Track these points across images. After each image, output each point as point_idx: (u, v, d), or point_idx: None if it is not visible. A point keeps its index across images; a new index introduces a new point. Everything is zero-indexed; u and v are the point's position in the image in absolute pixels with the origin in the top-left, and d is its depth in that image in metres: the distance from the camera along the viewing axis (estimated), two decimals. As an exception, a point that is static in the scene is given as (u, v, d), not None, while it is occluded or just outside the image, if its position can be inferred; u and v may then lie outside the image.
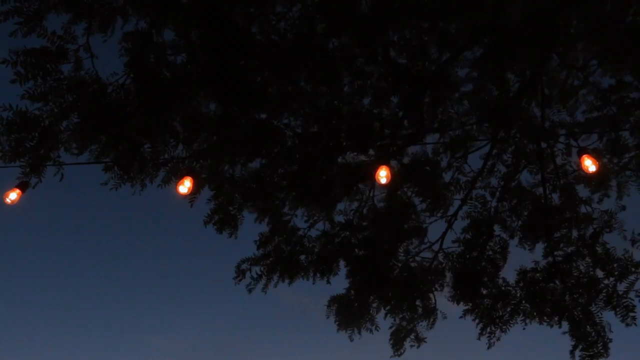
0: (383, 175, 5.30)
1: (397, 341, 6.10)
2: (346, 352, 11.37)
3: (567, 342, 5.74)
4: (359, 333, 6.10)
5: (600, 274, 5.75)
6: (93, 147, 5.12)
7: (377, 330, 6.09)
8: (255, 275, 6.00)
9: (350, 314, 6.00)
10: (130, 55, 4.93)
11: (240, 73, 5.29)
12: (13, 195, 5.09)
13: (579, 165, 5.36)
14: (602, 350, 5.57)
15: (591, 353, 5.57)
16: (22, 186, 5.08)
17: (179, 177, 5.29)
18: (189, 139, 5.41)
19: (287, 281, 6.03)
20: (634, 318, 5.45)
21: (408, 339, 6.11)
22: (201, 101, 5.44)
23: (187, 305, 13.08)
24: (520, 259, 5.92)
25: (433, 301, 6.06)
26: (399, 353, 6.12)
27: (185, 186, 5.25)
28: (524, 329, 5.83)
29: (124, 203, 12.35)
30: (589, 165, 5.26)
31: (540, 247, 5.89)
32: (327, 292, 6.18)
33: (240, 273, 6.04)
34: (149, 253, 13.08)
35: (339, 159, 5.89)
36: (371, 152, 5.84)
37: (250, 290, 6.01)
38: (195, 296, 13.08)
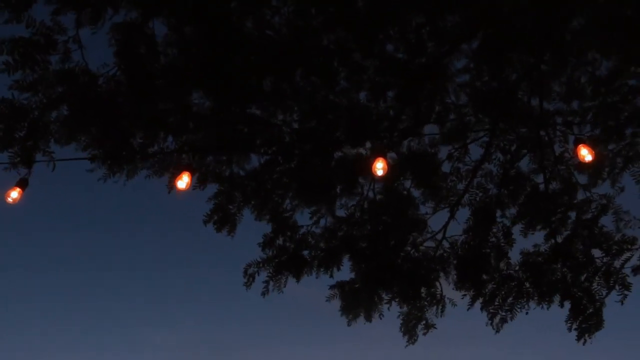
0: (380, 167, 5.25)
1: (409, 329, 6.07)
2: (349, 345, 11.29)
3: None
4: (368, 321, 6.04)
5: (597, 253, 5.85)
6: (82, 139, 5.03)
7: (381, 319, 6.04)
8: (264, 279, 5.94)
9: (356, 302, 5.95)
10: (120, 45, 4.84)
11: (234, 68, 5.22)
12: (14, 194, 4.99)
13: (575, 154, 5.36)
14: (597, 323, 5.74)
15: (586, 325, 5.71)
16: (22, 184, 4.99)
17: (173, 169, 5.20)
18: (179, 131, 5.32)
19: (293, 279, 5.94)
20: (626, 296, 5.68)
21: (419, 326, 6.08)
22: (193, 95, 5.36)
23: (185, 300, 12.95)
24: (523, 243, 5.98)
25: (439, 290, 6.03)
26: (412, 341, 6.08)
27: (183, 181, 5.19)
28: (527, 313, 5.87)
29: (123, 197, 12.19)
30: (585, 154, 5.27)
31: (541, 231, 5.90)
32: (331, 284, 6.09)
33: (249, 277, 5.96)
34: (147, 247, 12.98)
35: (337, 154, 5.84)
36: (368, 145, 5.80)
37: (264, 295, 5.93)
38: (194, 290, 12.98)
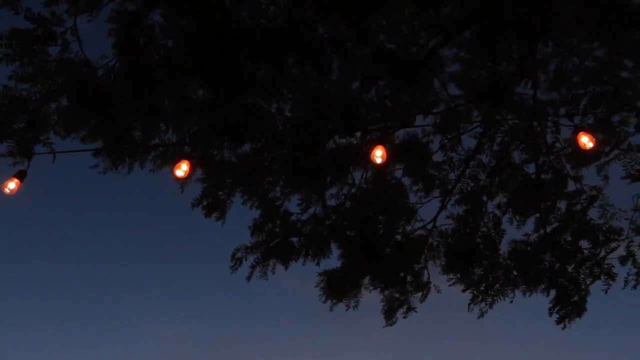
0: (379, 155, 5.26)
1: (390, 311, 6.12)
2: (346, 338, 11.34)
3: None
4: (348, 306, 6.09)
5: (585, 244, 5.93)
6: (81, 131, 5.11)
7: (354, 310, 6.08)
8: (252, 263, 5.99)
9: (339, 288, 6.01)
10: (118, 36, 4.93)
11: (229, 58, 5.28)
12: (12, 185, 5.05)
13: (575, 142, 5.29)
14: (579, 309, 5.86)
15: (567, 310, 5.81)
16: (20, 175, 5.04)
17: (175, 162, 5.28)
18: (179, 123, 5.40)
19: (283, 266, 6.01)
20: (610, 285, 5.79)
21: (400, 310, 6.13)
22: (189, 86, 5.44)
23: (183, 293, 13.14)
24: (513, 233, 6.12)
25: (426, 276, 6.10)
26: (390, 322, 6.15)
27: (182, 170, 5.25)
28: (511, 302, 5.96)
29: (120, 188, 12.37)
30: (586, 142, 5.20)
31: (530, 221, 5.99)
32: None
33: (236, 261, 6.01)
34: (144, 239, 13.07)
35: (330, 143, 5.91)
36: (358, 134, 5.86)
37: (248, 279, 6.01)
38: (192, 283, 13.13)
